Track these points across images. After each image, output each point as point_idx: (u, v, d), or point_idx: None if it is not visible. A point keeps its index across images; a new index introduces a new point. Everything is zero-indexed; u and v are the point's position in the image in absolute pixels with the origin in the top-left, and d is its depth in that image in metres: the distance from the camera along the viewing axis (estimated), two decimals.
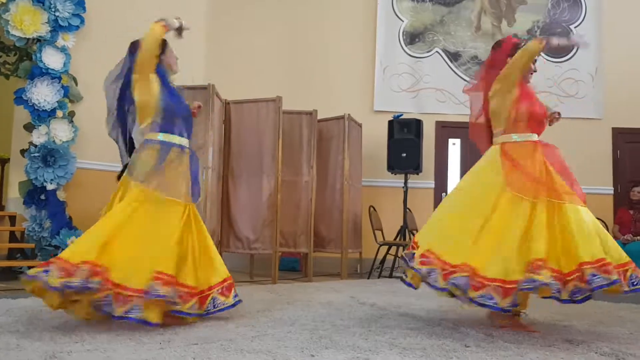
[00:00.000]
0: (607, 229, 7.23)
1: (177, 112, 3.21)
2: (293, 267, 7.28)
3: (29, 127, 5.79)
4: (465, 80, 7.72)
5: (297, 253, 6.83)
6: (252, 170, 6.04)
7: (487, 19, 7.82)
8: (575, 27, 7.72)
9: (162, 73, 3.27)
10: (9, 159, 6.46)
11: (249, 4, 7.95)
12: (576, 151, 6.76)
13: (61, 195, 5.86)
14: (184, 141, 3.25)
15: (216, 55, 7.76)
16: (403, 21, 7.80)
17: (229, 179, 6.14)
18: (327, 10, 7.86)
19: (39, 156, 5.67)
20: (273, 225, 5.89)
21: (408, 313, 3.71)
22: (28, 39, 5.75)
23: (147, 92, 3.16)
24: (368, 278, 6.52)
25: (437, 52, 7.76)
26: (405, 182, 7.03)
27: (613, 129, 7.60)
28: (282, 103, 6.02)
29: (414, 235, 6.98)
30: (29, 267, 5.42)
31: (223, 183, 6.11)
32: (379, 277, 6.56)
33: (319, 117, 6.48)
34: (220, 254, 6.01)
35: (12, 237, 5.78)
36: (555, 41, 3.16)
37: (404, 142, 6.97)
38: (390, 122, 7.14)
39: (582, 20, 7.72)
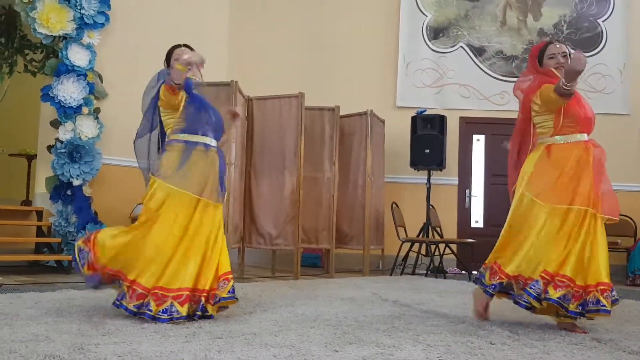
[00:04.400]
0: (635, 227, 7.11)
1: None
2: (314, 263, 7.29)
3: (56, 124, 5.88)
4: (489, 75, 7.64)
5: (318, 249, 6.84)
6: (275, 166, 6.05)
7: (513, 13, 7.72)
8: (603, 22, 7.58)
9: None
10: (35, 155, 6.58)
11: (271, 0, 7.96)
12: (603, 148, 6.63)
13: (87, 190, 5.94)
14: (207, 140, 3.26)
15: (239, 52, 7.79)
16: (427, 16, 7.74)
17: (251, 175, 6.16)
18: (350, 6, 7.83)
19: (65, 152, 5.75)
20: (295, 222, 5.89)
21: (431, 310, 3.68)
22: (54, 37, 5.83)
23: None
24: (390, 275, 6.49)
25: (461, 47, 7.69)
26: (429, 179, 6.99)
27: None
28: (305, 99, 6.02)
29: (436, 232, 6.96)
30: (56, 261, 5.54)
31: (245, 179, 6.13)
32: (401, 274, 6.53)
33: (341, 113, 6.46)
34: (243, 249, 6.10)
35: (39, 232, 5.89)
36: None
37: (427, 138, 6.92)
38: (414, 118, 7.10)
39: (610, 14, 7.58)
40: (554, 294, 2.93)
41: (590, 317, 3.04)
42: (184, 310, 2.92)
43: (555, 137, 3.18)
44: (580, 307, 2.93)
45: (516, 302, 3.08)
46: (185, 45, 3.38)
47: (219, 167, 3.26)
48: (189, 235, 3.08)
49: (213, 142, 3.27)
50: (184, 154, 3.16)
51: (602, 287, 2.95)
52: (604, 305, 2.92)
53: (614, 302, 3.03)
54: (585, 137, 3.19)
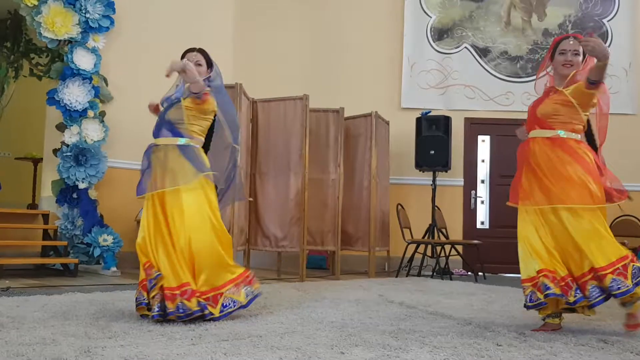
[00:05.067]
0: None
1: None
2: (320, 265, 7.29)
3: (61, 127, 5.91)
4: (494, 76, 7.62)
5: (324, 251, 6.83)
6: (280, 168, 6.06)
7: (517, 13, 7.70)
8: (608, 21, 7.56)
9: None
10: (41, 158, 6.60)
11: (275, 2, 7.96)
12: (609, 147, 6.58)
13: (92, 193, 5.95)
14: (159, 140, 3.33)
15: (243, 55, 7.79)
16: (431, 17, 7.73)
17: (256, 177, 6.16)
18: (353, 8, 7.83)
19: (71, 155, 5.77)
20: (300, 223, 5.89)
21: (438, 312, 3.67)
22: (59, 41, 5.86)
23: None
24: (396, 276, 6.48)
25: (465, 47, 7.67)
26: (434, 180, 6.97)
27: None
28: (309, 101, 6.02)
29: (442, 233, 6.94)
30: (62, 265, 5.56)
31: (251, 181, 6.14)
32: (407, 276, 6.52)
33: (345, 115, 6.47)
34: (249, 251, 6.10)
35: (45, 235, 5.91)
36: None
37: (432, 139, 6.91)
38: (418, 119, 7.09)
39: (615, 14, 7.55)
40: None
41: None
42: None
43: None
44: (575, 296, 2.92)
45: None
46: (200, 50, 3.40)
47: (167, 160, 3.26)
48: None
49: (161, 141, 3.30)
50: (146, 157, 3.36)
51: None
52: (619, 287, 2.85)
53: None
54: (534, 133, 3.13)
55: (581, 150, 3.08)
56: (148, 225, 3.17)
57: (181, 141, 3.29)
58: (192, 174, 3.22)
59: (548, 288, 2.92)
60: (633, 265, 2.89)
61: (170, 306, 2.97)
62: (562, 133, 3.08)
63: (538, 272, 2.98)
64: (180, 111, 3.27)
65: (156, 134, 3.35)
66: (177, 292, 3.00)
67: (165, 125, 3.31)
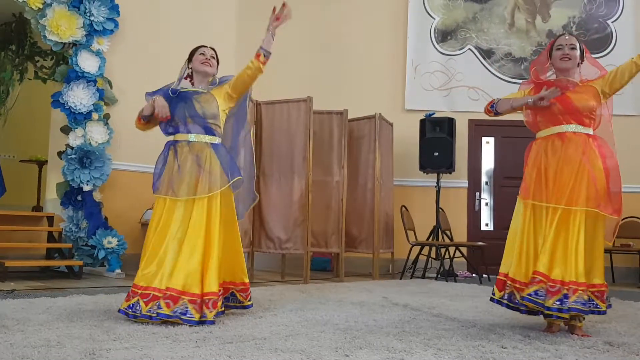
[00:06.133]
0: None
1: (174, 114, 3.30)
2: (324, 267, 7.29)
3: (66, 130, 5.92)
4: (498, 77, 7.61)
5: (328, 253, 6.83)
6: (284, 170, 6.06)
7: (521, 15, 7.69)
8: (612, 22, 7.54)
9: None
10: (46, 161, 6.63)
11: (278, 4, 7.95)
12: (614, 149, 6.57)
13: (97, 196, 5.97)
14: (190, 136, 3.28)
15: (247, 57, 7.71)
16: (434, 19, 7.72)
17: (260, 180, 6.16)
18: (357, 9, 7.83)
19: (75, 158, 5.79)
20: (304, 225, 5.89)
21: (442, 314, 3.66)
22: (64, 44, 5.88)
23: None
24: (400, 278, 6.47)
25: (469, 49, 7.67)
26: (438, 182, 6.97)
27: None
28: (313, 103, 6.02)
29: (446, 235, 6.93)
30: (67, 267, 5.57)
31: (255, 183, 6.13)
32: (411, 278, 6.51)
33: (349, 117, 6.46)
34: (252, 253, 6.10)
35: (50, 237, 5.92)
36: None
37: (436, 141, 6.91)
38: (422, 121, 7.08)
39: (620, 15, 7.53)
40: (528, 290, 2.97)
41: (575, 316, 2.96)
42: (144, 309, 2.99)
43: (537, 133, 3.23)
44: (558, 303, 2.84)
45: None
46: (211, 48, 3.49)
47: (201, 160, 3.22)
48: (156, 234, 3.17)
49: (192, 137, 3.27)
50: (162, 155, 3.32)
51: (573, 287, 2.85)
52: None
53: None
54: (564, 128, 3.09)
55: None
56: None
57: (215, 140, 3.32)
58: (222, 180, 3.24)
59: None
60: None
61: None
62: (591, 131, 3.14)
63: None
64: (215, 106, 3.29)
65: (180, 129, 3.27)
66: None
67: (197, 120, 3.26)
